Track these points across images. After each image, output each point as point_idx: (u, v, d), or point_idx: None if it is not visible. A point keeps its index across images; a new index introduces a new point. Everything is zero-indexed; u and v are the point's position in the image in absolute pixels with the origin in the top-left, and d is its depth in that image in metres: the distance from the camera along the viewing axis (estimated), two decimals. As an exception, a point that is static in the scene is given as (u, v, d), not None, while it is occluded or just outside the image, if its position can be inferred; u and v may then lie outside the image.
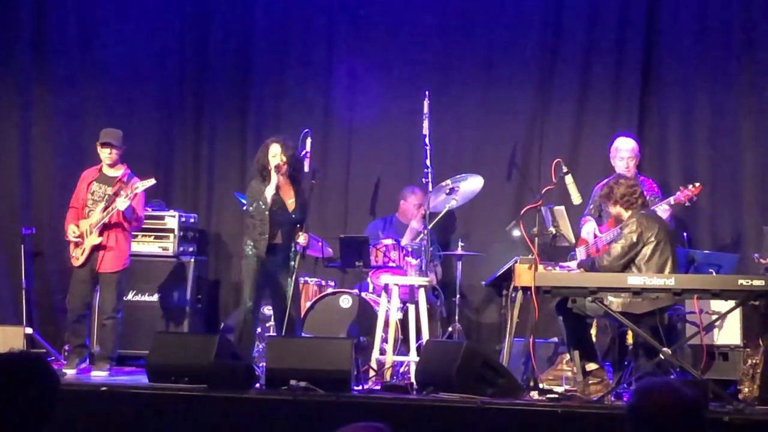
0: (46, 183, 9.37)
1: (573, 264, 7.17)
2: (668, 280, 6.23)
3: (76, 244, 7.62)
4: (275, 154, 7.34)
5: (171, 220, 8.85)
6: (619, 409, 5.64)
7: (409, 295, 7.51)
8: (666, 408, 2.83)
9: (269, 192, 7.30)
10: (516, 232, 7.30)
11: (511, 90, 9.20)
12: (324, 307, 8.05)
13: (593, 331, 7.18)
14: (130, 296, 8.45)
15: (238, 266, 7.90)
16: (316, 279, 8.54)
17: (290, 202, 7.44)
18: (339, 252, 8.13)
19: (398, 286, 7.50)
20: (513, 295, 6.86)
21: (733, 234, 8.62)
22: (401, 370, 7.61)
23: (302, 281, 8.17)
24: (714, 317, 6.92)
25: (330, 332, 7.81)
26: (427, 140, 8.09)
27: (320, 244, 8.29)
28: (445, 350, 6.74)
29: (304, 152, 7.64)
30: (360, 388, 6.60)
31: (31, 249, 8.97)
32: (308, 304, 8.06)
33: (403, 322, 7.59)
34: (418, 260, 8.05)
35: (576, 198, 7.24)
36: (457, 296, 8.24)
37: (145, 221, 8.10)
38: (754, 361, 6.67)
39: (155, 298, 8.70)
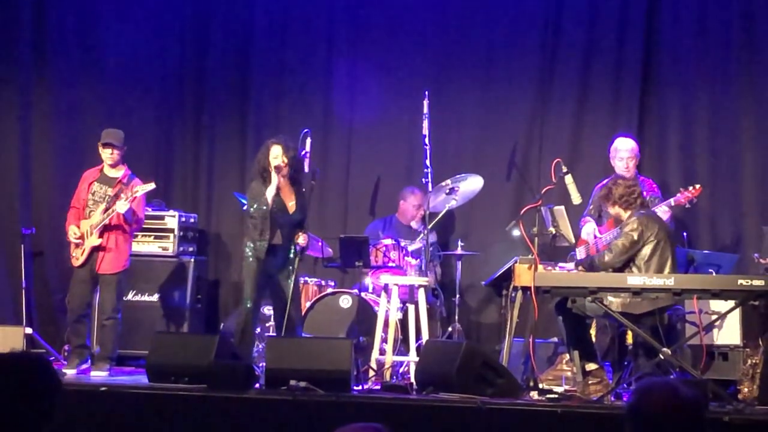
0: (46, 183, 9.36)
1: (572, 265, 7.16)
2: (668, 280, 6.23)
3: (77, 245, 7.62)
4: (276, 156, 7.34)
5: (171, 220, 8.85)
6: (619, 409, 5.64)
7: (408, 295, 7.51)
8: (666, 408, 2.83)
9: (270, 193, 7.30)
10: (516, 232, 7.30)
11: (511, 90, 9.20)
12: (324, 307, 8.05)
13: (593, 331, 7.18)
14: (130, 296, 8.45)
15: (238, 266, 7.90)
16: (315, 279, 8.54)
17: (291, 204, 7.44)
18: (339, 252, 8.13)
19: (398, 286, 7.50)
20: (513, 295, 6.86)
21: (733, 234, 8.62)
22: (401, 370, 7.61)
23: (302, 281, 8.17)
24: (714, 317, 6.92)
25: (330, 332, 7.81)
26: (426, 140, 8.09)
27: (320, 244, 8.29)
28: (444, 350, 6.75)
29: (303, 152, 7.65)
30: (360, 388, 6.61)
31: (31, 249, 8.97)
32: (308, 304, 8.05)
33: (403, 322, 7.59)
34: (418, 260, 8.05)
35: (576, 198, 7.24)
36: (457, 296, 8.24)
37: (145, 221, 8.10)
38: (753, 361, 6.68)
39: (155, 298, 8.70)
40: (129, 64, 9.63)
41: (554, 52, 9.12)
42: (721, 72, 8.75)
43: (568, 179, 7.17)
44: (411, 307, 7.45)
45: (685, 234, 8.06)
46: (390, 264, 8.13)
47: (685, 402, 2.84)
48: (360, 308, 7.83)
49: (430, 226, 7.95)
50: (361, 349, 7.42)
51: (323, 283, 8.51)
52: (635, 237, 6.59)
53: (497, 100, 9.22)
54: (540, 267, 6.60)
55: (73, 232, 7.63)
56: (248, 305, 7.29)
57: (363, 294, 7.92)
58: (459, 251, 8.35)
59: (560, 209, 7.22)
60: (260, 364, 6.93)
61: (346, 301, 8.08)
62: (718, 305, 7.00)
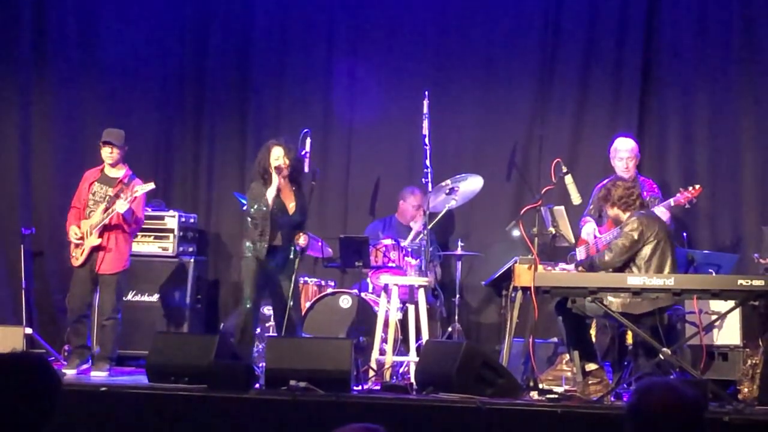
0: (46, 183, 9.36)
1: (571, 267, 7.16)
2: (668, 280, 6.23)
3: (77, 245, 7.62)
4: (278, 157, 7.34)
5: (171, 220, 8.85)
6: (619, 409, 5.64)
7: (408, 296, 7.51)
8: (666, 408, 2.83)
9: (270, 194, 7.29)
10: (516, 232, 7.31)
11: (511, 90, 9.20)
12: (324, 308, 8.05)
13: (593, 331, 7.18)
14: (129, 296, 8.45)
15: (238, 266, 7.90)
16: (315, 279, 8.54)
17: (291, 205, 7.43)
18: (339, 252, 8.13)
19: (398, 286, 7.51)
20: (513, 295, 6.86)
21: (733, 234, 8.62)
22: (401, 370, 7.61)
23: (302, 281, 8.18)
24: (714, 317, 6.92)
25: (330, 332, 7.81)
26: (426, 140, 8.09)
27: (320, 244, 8.29)
28: (444, 350, 6.75)
29: (303, 152, 7.65)
30: (360, 388, 6.61)
31: (31, 249, 8.97)
32: (308, 304, 8.05)
33: (403, 323, 7.59)
34: (418, 260, 8.05)
35: (576, 198, 7.24)
36: (457, 296, 8.24)
37: (145, 221, 8.09)
38: (753, 362, 6.68)
39: (155, 298, 8.70)
40: (129, 64, 9.63)
41: (554, 52, 9.12)
42: (721, 72, 8.75)
43: (568, 179, 7.17)
44: (411, 307, 7.45)
45: (685, 234, 8.06)
46: (390, 264, 8.13)
47: (685, 402, 2.84)
48: (360, 308, 7.83)
49: (429, 227, 7.95)
50: (361, 349, 7.42)
51: (323, 283, 8.51)
52: (635, 237, 6.59)
53: (497, 100, 9.22)
54: (540, 267, 6.60)
55: (74, 232, 7.63)
56: (248, 305, 7.29)
57: (363, 294, 7.92)
58: (459, 251, 8.35)
59: (560, 209, 7.23)
60: (260, 364, 6.93)
61: (346, 301, 8.08)
62: (718, 305, 7.00)
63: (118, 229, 7.60)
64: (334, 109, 9.47)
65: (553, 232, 7.13)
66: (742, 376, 6.72)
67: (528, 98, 9.16)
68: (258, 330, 7.74)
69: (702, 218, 8.68)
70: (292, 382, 6.22)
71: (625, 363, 6.91)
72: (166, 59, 9.75)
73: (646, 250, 6.59)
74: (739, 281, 6.17)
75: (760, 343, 6.63)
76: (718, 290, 6.26)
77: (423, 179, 8.10)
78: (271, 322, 7.89)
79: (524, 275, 6.53)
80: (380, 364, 7.39)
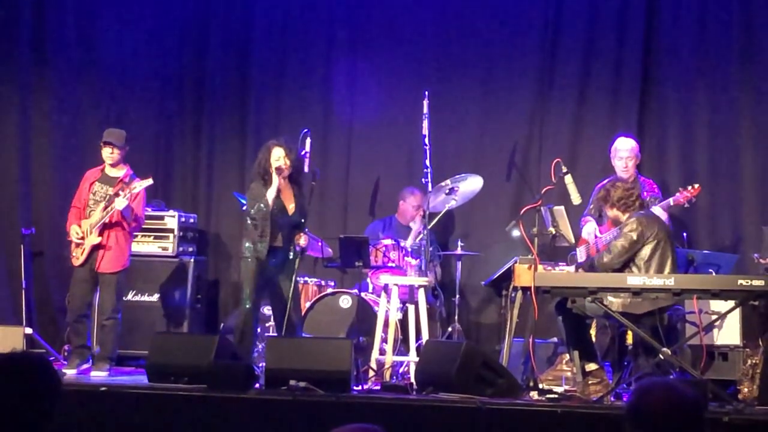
0: (45, 183, 9.36)
1: (571, 267, 7.16)
2: (668, 280, 6.23)
3: (77, 244, 7.62)
4: (278, 158, 7.34)
5: (171, 220, 8.85)
6: (619, 409, 5.64)
7: (408, 296, 7.51)
8: (666, 408, 2.83)
9: (270, 195, 7.29)
10: (515, 232, 7.31)
11: (511, 90, 9.20)
12: (324, 308, 8.05)
13: (593, 331, 7.18)
14: (129, 296, 8.45)
15: (238, 266, 7.90)
16: (315, 279, 8.54)
17: (291, 206, 7.43)
18: (339, 252, 8.13)
19: (398, 286, 7.51)
20: (513, 295, 6.86)
21: (733, 234, 8.62)
22: (401, 370, 7.61)
23: (302, 281, 8.18)
24: (714, 317, 6.92)
25: (329, 332, 7.81)
26: (426, 140, 8.09)
27: (320, 244, 8.29)
28: (444, 350, 6.75)
29: (303, 152, 7.64)
30: (360, 388, 6.60)
31: (31, 249, 8.97)
32: (308, 304, 8.05)
33: (403, 323, 7.59)
34: (418, 260, 8.05)
35: (575, 198, 7.24)
36: (457, 296, 8.24)
37: (145, 221, 8.09)
38: (753, 362, 6.68)
39: (155, 298, 8.70)
40: (129, 64, 9.63)
41: (554, 52, 9.12)
42: (721, 72, 8.75)
43: (568, 179, 7.17)
44: (411, 308, 7.45)
45: (685, 234, 8.06)
46: (390, 264, 8.13)
47: (685, 402, 2.84)
48: (360, 308, 7.83)
49: (429, 227, 7.95)
50: (361, 349, 7.42)
51: (323, 283, 8.52)
52: (635, 237, 6.58)
53: (497, 100, 9.22)
54: (540, 267, 6.60)
55: (75, 231, 7.63)
56: (247, 306, 7.28)
57: (363, 294, 7.92)
58: (459, 251, 8.35)
59: (560, 209, 7.23)
60: (260, 364, 6.93)
61: (346, 301, 8.08)
62: (718, 305, 7.00)
63: (118, 227, 7.60)
64: (334, 109, 9.47)
65: (553, 232, 7.13)
66: (742, 376, 6.72)
67: (528, 98, 9.16)
68: (258, 330, 7.74)
69: (702, 218, 8.68)
70: (292, 382, 6.22)
71: (625, 363, 6.91)
72: (166, 59, 9.75)
73: (646, 251, 6.59)
74: (739, 281, 6.16)
75: (760, 343, 6.63)
76: (718, 290, 6.26)
77: (423, 179, 8.10)
78: (271, 322, 7.89)
79: (524, 275, 6.53)
80: (380, 364, 7.39)
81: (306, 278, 8.40)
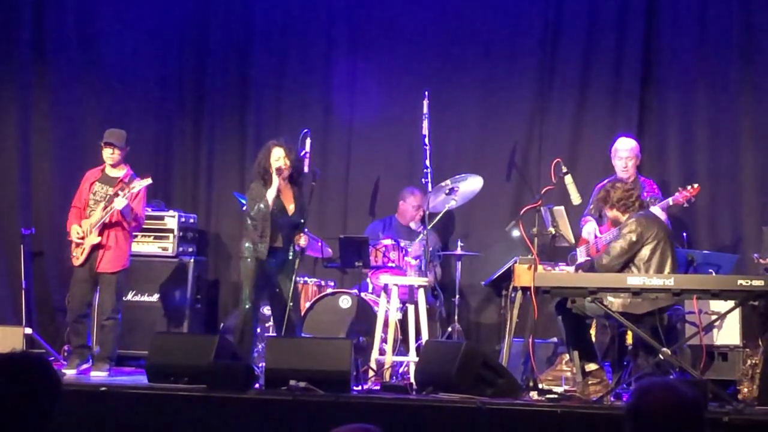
0: (45, 183, 9.36)
1: (571, 268, 7.16)
2: (668, 281, 6.23)
3: (77, 244, 7.62)
4: (278, 158, 7.33)
5: (171, 220, 8.85)
6: (619, 409, 5.64)
7: (408, 296, 7.51)
8: (665, 408, 2.82)
9: (270, 195, 7.28)
10: (515, 233, 7.31)
11: (511, 90, 9.19)
12: (323, 308, 8.05)
13: (593, 331, 7.18)
14: (129, 296, 8.45)
15: (238, 266, 7.90)
16: (315, 279, 8.54)
17: (291, 207, 7.43)
18: (338, 252, 8.13)
19: (398, 286, 7.51)
20: (512, 295, 6.86)
21: (733, 234, 8.62)
22: (401, 370, 7.61)
23: (302, 281, 8.18)
24: (713, 317, 6.92)
25: (329, 332, 7.81)
26: (426, 140, 8.09)
27: (320, 244, 8.29)
28: (444, 350, 6.75)
29: (303, 152, 7.64)
30: (359, 388, 6.60)
31: (31, 249, 8.97)
32: (308, 304, 8.05)
33: (403, 323, 7.59)
34: (418, 260, 8.05)
35: (575, 198, 7.24)
36: (457, 296, 8.24)
37: (145, 221, 8.09)
38: (753, 362, 6.68)
39: (155, 298, 8.70)
40: (129, 64, 9.63)
41: (554, 52, 9.12)
42: (721, 72, 8.75)
43: (568, 179, 7.17)
44: (411, 308, 7.45)
45: (684, 234, 8.06)
46: (390, 264, 8.13)
47: (685, 402, 2.84)
48: (360, 308, 7.83)
49: (429, 227, 7.95)
50: (360, 350, 7.42)
51: (323, 283, 8.52)
52: (634, 239, 6.58)
53: (497, 100, 9.22)
54: (540, 267, 6.60)
55: (75, 231, 7.62)
56: (247, 306, 7.28)
57: (363, 294, 7.92)
58: (459, 251, 8.35)
59: (560, 209, 7.23)
60: (260, 364, 6.93)
61: (345, 302, 8.08)
62: (718, 305, 7.00)
63: (117, 227, 7.59)
64: (334, 109, 9.47)
65: (553, 232, 7.14)
66: (742, 376, 6.72)
67: (528, 98, 9.16)
68: (258, 330, 7.74)
69: (702, 218, 8.68)
70: (292, 382, 6.22)
71: (625, 363, 6.91)
72: (166, 59, 9.75)
73: (646, 251, 6.59)
74: (739, 281, 6.16)
75: (760, 343, 6.63)
76: (718, 290, 6.26)
77: (423, 179, 8.11)
78: (271, 323, 7.88)
79: (524, 275, 6.52)
80: (380, 364, 7.39)
81: (306, 278, 8.40)
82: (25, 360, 2.93)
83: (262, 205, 7.29)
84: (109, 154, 7.74)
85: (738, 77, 8.69)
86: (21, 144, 9.31)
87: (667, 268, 6.57)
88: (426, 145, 8.08)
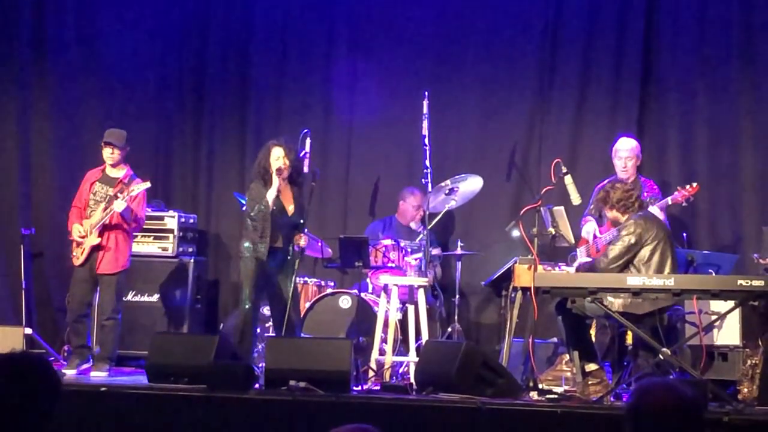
0: (45, 183, 9.36)
1: (572, 268, 7.16)
2: (668, 281, 6.23)
3: (78, 244, 7.62)
4: (278, 157, 7.33)
5: (170, 220, 8.85)
6: (619, 409, 5.64)
7: (408, 296, 7.51)
8: (665, 408, 2.83)
9: (270, 196, 7.28)
10: (515, 233, 7.31)
11: (511, 90, 9.19)
12: (323, 308, 8.05)
13: (593, 331, 7.18)
14: (129, 296, 8.45)
15: (238, 266, 7.90)
16: (315, 279, 8.54)
17: (290, 207, 7.42)
18: (338, 252, 8.13)
19: (398, 286, 7.51)
20: (512, 295, 6.86)
21: (733, 234, 8.61)
22: (401, 370, 7.61)
23: (301, 282, 8.17)
24: (713, 318, 6.92)
25: (329, 333, 7.81)
26: (426, 140, 8.09)
27: (320, 244, 8.29)
28: (444, 351, 6.74)
29: (303, 153, 7.64)
30: (359, 388, 6.60)
31: (31, 249, 8.97)
32: (308, 304, 8.05)
33: (403, 323, 7.59)
34: (418, 261, 8.05)
35: (575, 198, 7.24)
36: (457, 296, 8.24)
37: (145, 222, 8.08)
38: (753, 362, 6.68)
39: (155, 298, 8.70)
40: (129, 64, 9.62)
41: (554, 53, 9.11)
42: (721, 72, 8.74)
43: (568, 179, 7.17)
44: (411, 308, 7.45)
45: (684, 234, 8.06)
46: (389, 264, 8.13)
47: (685, 402, 2.84)
48: (360, 308, 7.83)
49: (429, 227, 7.95)
50: (360, 350, 7.42)
51: (323, 283, 8.52)
52: (632, 241, 6.57)
53: (497, 100, 9.22)
54: (540, 267, 6.60)
55: (77, 230, 7.62)
56: (247, 306, 7.28)
57: (363, 294, 7.92)
58: (459, 251, 8.35)
59: (560, 209, 7.23)
60: (260, 365, 6.93)
61: (345, 302, 8.08)
62: (718, 305, 6.99)
63: (117, 228, 7.60)
64: (334, 109, 9.47)
65: (553, 232, 7.13)
66: (742, 376, 6.72)
67: (528, 98, 9.16)
68: (258, 330, 7.74)
69: (702, 218, 8.68)
70: (292, 383, 6.22)
71: (625, 363, 6.91)
72: (166, 59, 9.75)
73: (645, 252, 6.58)
74: (739, 281, 6.16)
75: (760, 343, 6.64)
76: (718, 290, 6.26)
77: (423, 179, 8.11)
78: (271, 323, 7.88)
79: (524, 275, 6.52)
80: (380, 365, 7.39)
81: (306, 278, 8.40)
82: (25, 360, 2.93)
83: (262, 206, 7.28)
84: (108, 154, 7.74)
85: (738, 77, 8.69)
86: (21, 144, 9.31)
87: (667, 269, 6.57)
88: (426, 145, 8.08)
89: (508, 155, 9.09)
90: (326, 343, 6.84)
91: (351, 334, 7.81)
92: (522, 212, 7.13)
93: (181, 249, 8.85)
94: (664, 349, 6.17)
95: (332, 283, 8.62)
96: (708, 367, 6.89)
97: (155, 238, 8.78)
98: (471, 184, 8.32)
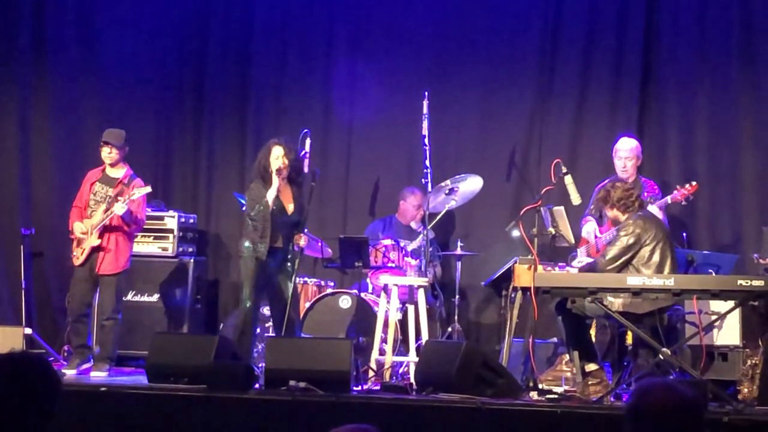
0: (45, 183, 9.36)
1: (572, 269, 7.16)
2: (668, 281, 6.23)
3: (78, 243, 7.62)
4: (278, 157, 7.32)
5: (170, 220, 8.85)
6: (619, 409, 5.65)
7: (408, 296, 7.51)
8: (665, 408, 2.83)
9: (270, 196, 7.27)
10: (515, 233, 7.31)
11: (511, 90, 9.19)
12: (323, 308, 8.05)
13: (593, 331, 7.18)
14: (129, 296, 8.45)
15: (238, 266, 7.90)
16: (315, 279, 8.54)
17: (290, 207, 7.42)
18: (338, 252, 8.13)
19: (397, 286, 7.51)
20: (512, 295, 6.86)
21: (733, 234, 8.61)
22: (401, 370, 7.61)
23: (301, 282, 8.17)
24: (713, 318, 6.92)
25: (329, 333, 7.81)
26: (426, 140, 8.09)
27: (320, 244, 8.29)
28: (444, 351, 6.74)
29: (303, 153, 7.64)
30: (359, 388, 6.61)
31: (31, 249, 8.97)
32: (307, 304, 8.05)
33: (403, 323, 7.59)
34: (418, 260, 8.05)
35: (575, 198, 7.24)
36: (457, 296, 8.24)
37: (145, 223, 8.08)
38: (753, 362, 6.68)
39: (155, 298, 8.70)
40: (128, 63, 9.62)
41: (554, 52, 9.11)
42: (721, 72, 8.74)
43: (568, 179, 7.17)
44: (410, 308, 7.45)
45: (684, 234, 8.06)
46: (389, 264, 8.13)
47: (685, 402, 2.84)
48: (359, 308, 7.83)
49: (429, 227, 7.95)
50: (360, 350, 7.42)
51: (323, 283, 8.51)
52: (631, 241, 6.57)
53: (497, 100, 9.22)
54: (540, 267, 6.60)
55: (79, 227, 7.61)
56: (247, 306, 7.27)
57: (363, 294, 7.92)
58: (459, 251, 8.35)
59: (560, 209, 7.22)
60: (260, 365, 6.93)
61: (345, 302, 8.08)
62: (718, 305, 6.99)
63: (117, 230, 7.60)
64: (334, 109, 9.47)
65: (553, 232, 7.13)
66: (742, 376, 6.72)
67: (528, 98, 9.16)
68: (258, 330, 7.74)
69: (702, 218, 8.68)
70: (292, 383, 6.22)
71: (625, 363, 6.91)
72: (166, 59, 9.75)
73: (645, 252, 6.58)
74: (739, 281, 6.17)
75: (760, 343, 6.64)
76: (718, 290, 6.26)
77: (423, 179, 8.10)
78: (271, 323, 7.88)
79: (524, 275, 6.52)
80: (380, 365, 7.39)
81: (306, 278, 8.40)
82: (25, 360, 2.93)
83: (261, 207, 7.28)
84: (106, 153, 7.74)
85: (738, 77, 8.69)
86: (21, 144, 9.31)
87: (667, 269, 6.56)
88: (426, 145, 8.08)
89: (508, 155, 9.09)
90: (326, 343, 6.84)
91: (351, 334, 7.81)
92: (522, 212, 7.13)
93: (181, 249, 8.85)
94: (664, 349, 6.17)
95: (332, 283, 8.62)
96: (708, 367, 6.89)
97: (155, 238, 8.78)
98: (471, 184, 8.32)
